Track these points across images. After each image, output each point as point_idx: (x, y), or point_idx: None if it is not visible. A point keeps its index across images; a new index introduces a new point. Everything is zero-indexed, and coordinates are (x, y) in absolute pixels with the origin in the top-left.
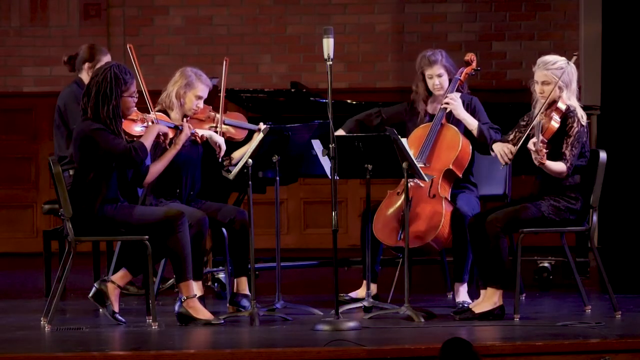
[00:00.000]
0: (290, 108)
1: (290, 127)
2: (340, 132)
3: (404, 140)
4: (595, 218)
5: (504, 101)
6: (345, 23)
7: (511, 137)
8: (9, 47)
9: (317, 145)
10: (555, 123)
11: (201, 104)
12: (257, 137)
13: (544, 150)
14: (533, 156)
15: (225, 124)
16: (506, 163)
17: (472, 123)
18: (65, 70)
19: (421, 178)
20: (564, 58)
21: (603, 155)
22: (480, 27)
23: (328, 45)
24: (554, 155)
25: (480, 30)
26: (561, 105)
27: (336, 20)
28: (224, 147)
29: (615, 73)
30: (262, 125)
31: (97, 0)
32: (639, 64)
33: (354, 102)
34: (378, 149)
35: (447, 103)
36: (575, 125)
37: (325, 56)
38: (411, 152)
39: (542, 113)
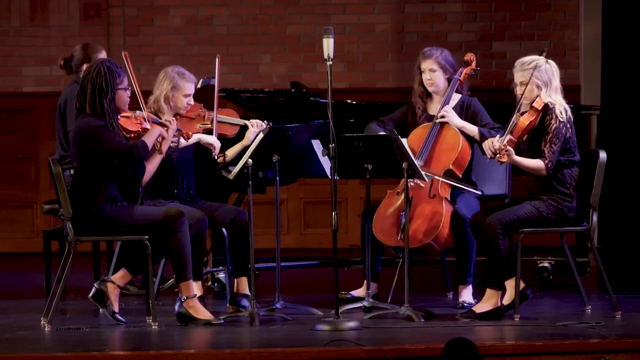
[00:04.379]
0: (290, 108)
1: (290, 127)
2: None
3: (404, 140)
4: (595, 218)
5: (504, 101)
6: (345, 23)
7: None
8: (9, 47)
9: (317, 145)
10: (525, 120)
11: (191, 100)
12: (258, 137)
13: (505, 149)
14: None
15: (217, 121)
16: (490, 157)
17: (472, 129)
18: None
19: (421, 178)
20: (541, 57)
21: (603, 155)
22: (480, 27)
23: (328, 45)
24: (534, 153)
25: (480, 30)
26: (537, 104)
27: (336, 20)
28: (217, 144)
29: (615, 73)
30: (254, 121)
31: (97, 0)
32: (639, 64)
33: (354, 102)
34: (378, 149)
35: (442, 117)
36: (553, 121)
37: (325, 56)
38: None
39: (520, 113)
